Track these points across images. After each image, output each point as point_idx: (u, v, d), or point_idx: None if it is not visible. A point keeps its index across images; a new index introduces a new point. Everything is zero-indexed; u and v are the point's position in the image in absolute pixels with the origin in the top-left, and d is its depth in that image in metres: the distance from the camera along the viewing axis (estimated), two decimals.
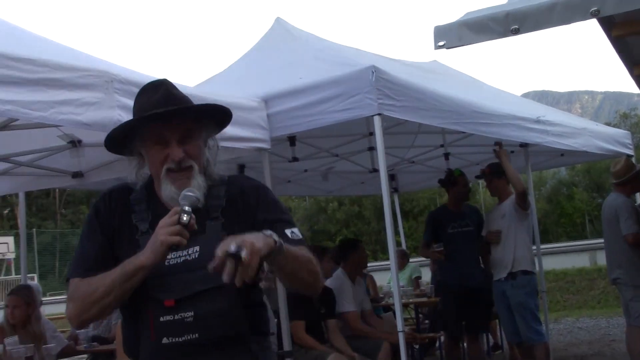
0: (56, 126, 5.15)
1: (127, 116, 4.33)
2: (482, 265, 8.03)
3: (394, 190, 11.42)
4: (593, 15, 3.42)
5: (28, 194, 8.38)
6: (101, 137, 5.53)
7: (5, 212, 44.42)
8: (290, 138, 6.55)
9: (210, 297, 2.42)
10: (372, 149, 8.56)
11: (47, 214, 46.61)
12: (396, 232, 8.93)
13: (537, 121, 7.59)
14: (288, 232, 2.48)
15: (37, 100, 3.92)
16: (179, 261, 2.44)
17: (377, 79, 5.60)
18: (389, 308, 9.82)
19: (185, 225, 2.27)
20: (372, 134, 6.98)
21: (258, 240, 2.16)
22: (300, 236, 2.53)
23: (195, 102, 2.64)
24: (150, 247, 2.30)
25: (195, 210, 2.37)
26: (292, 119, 5.98)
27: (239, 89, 6.31)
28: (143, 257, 2.31)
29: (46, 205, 46.59)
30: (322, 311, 6.84)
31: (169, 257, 2.39)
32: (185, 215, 2.28)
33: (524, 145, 8.06)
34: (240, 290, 2.33)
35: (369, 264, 9.81)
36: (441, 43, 3.78)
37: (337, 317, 7.02)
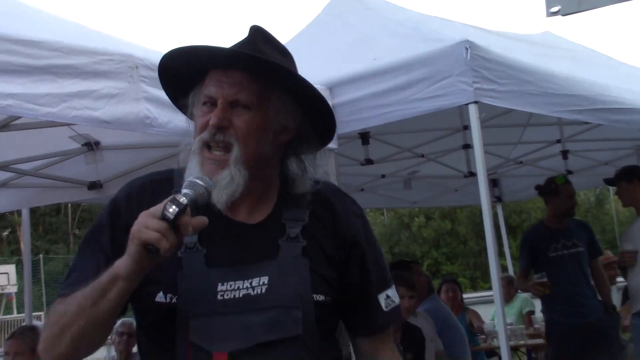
0: (68, 125, 5.18)
1: (156, 111, 4.38)
2: (599, 296, 7.90)
3: (496, 199, 11.41)
4: None
5: (33, 211, 8.50)
6: (124, 137, 5.74)
7: (5, 233, 45.26)
8: (363, 135, 6.61)
9: (280, 351, 2.16)
10: (467, 147, 8.47)
11: (56, 236, 47.13)
12: (501, 254, 8.82)
13: None
14: (382, 299, 2.39)
15: (45, 92, 3.88)
16: (237, 295, 2.19)
17: (473, 57, 5.53)
18: (494, 352, 9.75)
19: (172, 222, 1.96)
20: (467, 127, 7.06)
21: None
22: (396, 301, 2.44)
23: None
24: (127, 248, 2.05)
25: (268, 223, 2.31)
26: (365, 111, 5.93)
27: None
28: (119, 262, 2.05)
29: (56, 224, 47.32)
30: (409, 357, 6.81)
31: (221, 289, 2.19)
32: (173, 206, 1.97)
33: None
34: (318, 343, 2.22)
35: (467, 295, 9.81)
36: (555, 9, 3.76)
37: None
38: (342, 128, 5.97)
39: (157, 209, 1.97)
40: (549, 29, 9.90)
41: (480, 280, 35.41)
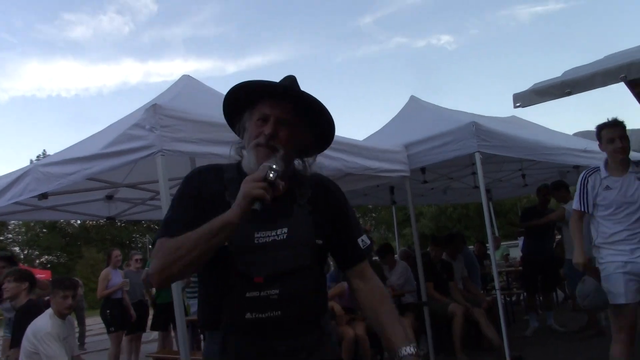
0: None
1: None
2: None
3: (489, 199, 10.99)
4: (622, 79, 3.19)
5: None
6: None
7: None
8: (422, 169, 6.28)
9: (296, 277, 1.67)
10: (474, 173, 8.19)
11: None
12: (492, 226, 8.57)
13: (585, 151, 7.01)
14: (360, 240, 1.83)
15: None
16: (267, 240, 1.66)
17: (477, 129, 5.48)
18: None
19: (272, 184, 1.50)
20: (474, 164, 6.67)
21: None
22: (368, 242, 1.86)
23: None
24: (236, 202, 1.53)
25: (285, 194, 1.69)
26: (423, 156, 5.89)
27: (387, 141, 6.23)
28: (229, 213, 1.53)
29: None
30: (444, 276, 6.69)
31: (258, 235, 1.65)
32: (272, 172, 1.50)
33: (576, 167, 7.46)
34: (319, 273, 1.76)
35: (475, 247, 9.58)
36: (518, 104, 3.63)
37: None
38: (412, 165, 5.92)
39: (257, 175, 1.51)
40: (515, 114, 9.43)
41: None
